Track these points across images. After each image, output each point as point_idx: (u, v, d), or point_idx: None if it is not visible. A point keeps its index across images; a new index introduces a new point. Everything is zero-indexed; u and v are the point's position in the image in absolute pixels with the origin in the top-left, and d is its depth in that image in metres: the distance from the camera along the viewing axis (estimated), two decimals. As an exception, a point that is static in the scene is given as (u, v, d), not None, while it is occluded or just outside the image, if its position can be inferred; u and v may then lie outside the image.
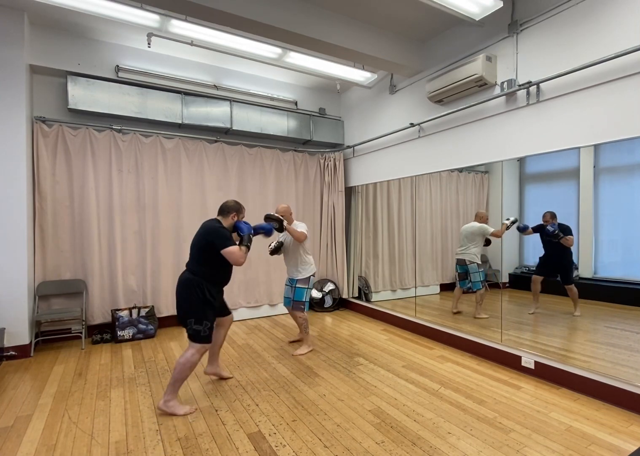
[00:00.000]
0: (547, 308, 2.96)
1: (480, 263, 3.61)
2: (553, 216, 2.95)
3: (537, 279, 3.09)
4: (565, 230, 2.88)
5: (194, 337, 2.41)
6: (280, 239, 3.59)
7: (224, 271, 2.56)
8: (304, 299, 3.48)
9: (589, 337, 2.67)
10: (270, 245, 3.54)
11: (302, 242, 3.43)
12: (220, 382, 2.88)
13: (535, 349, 2.94)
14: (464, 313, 3.74)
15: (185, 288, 2.44)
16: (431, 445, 2.05)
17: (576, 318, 2.76)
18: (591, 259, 2.65)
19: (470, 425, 2.25)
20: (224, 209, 2.60)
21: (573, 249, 2.76)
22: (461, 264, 3.76)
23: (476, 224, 3.59)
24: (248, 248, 2.56)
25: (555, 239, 2.91)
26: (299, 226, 3.45)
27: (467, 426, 2.23)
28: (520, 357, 3.03)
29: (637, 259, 2.41)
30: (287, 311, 5.02)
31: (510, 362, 3.11)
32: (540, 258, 3.06)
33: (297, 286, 3.49)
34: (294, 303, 3.51)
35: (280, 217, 3.26)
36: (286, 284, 3.69)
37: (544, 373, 2.88)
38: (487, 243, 3.50)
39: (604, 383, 2.52)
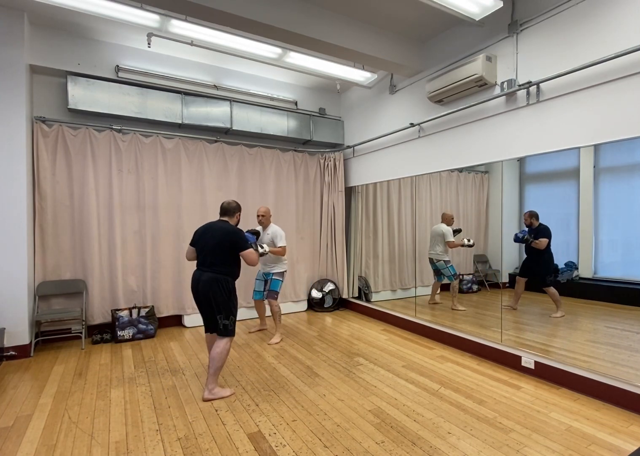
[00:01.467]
0: (546, 308, 2.96)
1: (447, 259, 3.86)
2: (531, 215, 2.94)
3: (520, 280, 3.16)
4: (542, 232, 2.87)
5: (224, 331, 2.61)
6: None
7: (239, 268, 2.81)
8: (278, 290, 3.89)
9: (589, 337, 2.66)
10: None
11: (283, 256, 3.86)
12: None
13: (534, 349, 2.94)
14: (442, 305, 3.93)
15: (213, 286, 2.59)
16: (431, 445, 2.05)
17: (576, 318, 2.75)
18: (591, 259, 2.65)
19: (470, 425, 2.25)
20: (230, 210, 2.78)
21: (573, 249, 2.75)
22: (431, 262, 4.02)
23: (442, 227, 3.85)
24: (257, 252, 2.89)
25: (526, 243, 2.95)
26: (279, 238, 3.79)
27: (467, 426, 2.23)
28: (520, 357, 3.03)
29: (637, 259, 2.41)
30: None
31: (510, 362, 3.12)
32: (524, 260, 3.13)
33: (273, 278, 3.88)
34: (269, 292, 3.88)
35: (258, 230, 3.71)
36: (258, 279, 4.02)
37: (544, 373, 2.88)
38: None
39: (604, 383, 2.52)
